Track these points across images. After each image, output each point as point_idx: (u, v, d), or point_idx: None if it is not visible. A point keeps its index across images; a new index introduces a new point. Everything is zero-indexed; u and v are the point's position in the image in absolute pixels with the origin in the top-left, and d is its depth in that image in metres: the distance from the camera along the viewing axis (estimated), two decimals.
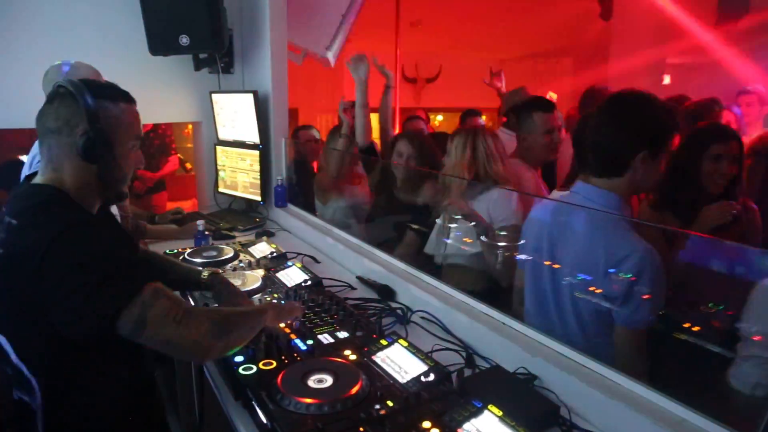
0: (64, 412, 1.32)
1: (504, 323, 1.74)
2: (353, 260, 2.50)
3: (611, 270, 1.50)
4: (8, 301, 1.26)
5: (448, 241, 2.38)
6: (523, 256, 1.89)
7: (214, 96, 3.50)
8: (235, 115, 3.41)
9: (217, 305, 1.80)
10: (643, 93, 1.58)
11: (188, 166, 6.17)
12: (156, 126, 4.49)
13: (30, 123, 1.39)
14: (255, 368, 1.48)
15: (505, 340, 1.65)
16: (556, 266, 1.70)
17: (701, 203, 2.04)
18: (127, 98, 1.40)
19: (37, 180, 1.36)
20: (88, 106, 1.29)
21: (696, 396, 1.28)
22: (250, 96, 3.22)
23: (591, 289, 1.57)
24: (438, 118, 8.50)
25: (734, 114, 3.85)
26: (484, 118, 4.90)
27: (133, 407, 1.43)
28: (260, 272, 2.27)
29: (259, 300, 1.96)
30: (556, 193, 2.08)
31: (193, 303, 1.99)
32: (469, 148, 2.34)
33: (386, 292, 2.17)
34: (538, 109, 2.61)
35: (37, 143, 2.34)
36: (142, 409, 1.47)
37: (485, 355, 1.68)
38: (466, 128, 2.50)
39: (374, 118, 3.24)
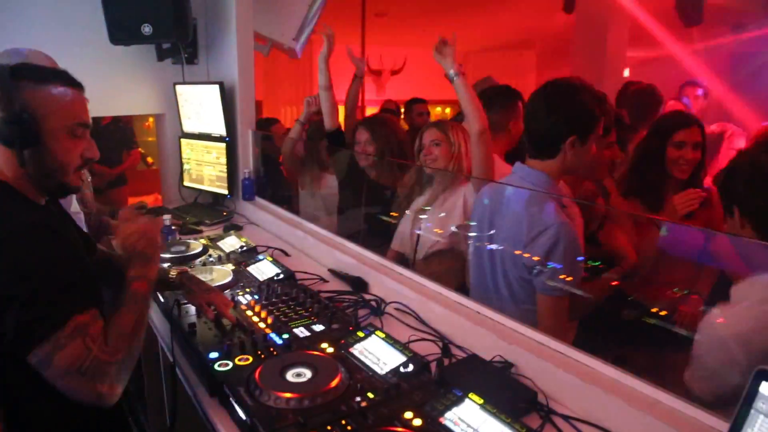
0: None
1: (479, 312, 1.76)
2: (324, 252, 2.48)
3: (530, 241, 1.65)
4: None
5: (419, 232, 2.38)
6: (465, 234, 2.04)
7: (178, 87, 3.42)
8: (200, 107, 3.35)
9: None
10: (574, 82, 1.68)
11: (149, 160, 6.03)
12: (116, 119, 4.37)
13: None
14: (231, 364, 1.46)
15: (480, 329, 1.67)
16: (491, 243, 1.84)
17: (668, 190, 2.10)
18: (63, 80, 1.29)
19: None
20: (3, 88, 1.20)
21: (667, 378, 1.32)
22: (216, 87, 3.17)
23: (517, 259, 1.72)
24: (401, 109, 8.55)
25: (683, 104, 3.98)
26: (445, 110, 5.00)
27: (90, 414, 1.26)
28: (230, 267, 2.23)
29: (231, 296, 1.92)
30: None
31: (162, 300, 1.94)
32: (464, 141, 2.33)
33: (359, 284, 2.17)
34: (518, 97, 2.63)
35: None
36: (100, 416, 1.30)
37: (461, 345, 1.69)
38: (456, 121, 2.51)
39: (341, 109, 3.22)
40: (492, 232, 1.85)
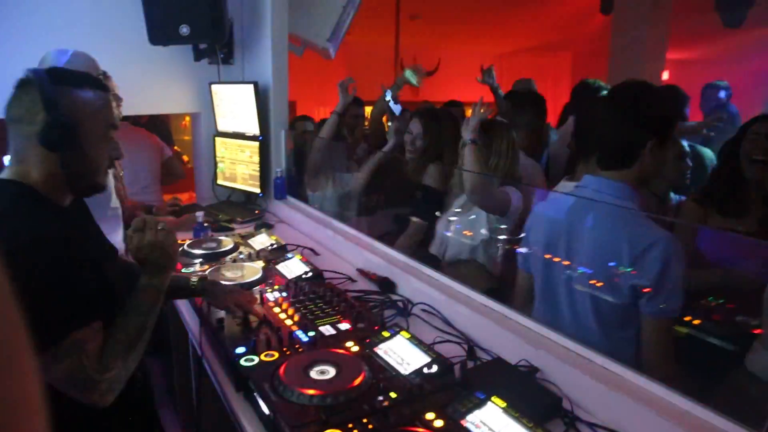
0: None
1: (505, 315, 1.74)
2: (353, 252, 2.49)
3: (636, 261, 1.49)
4: None
5: (449, 234, 2.37)
6: (525, 251, 1.88)
7: (214, 87, 3.47)
8: (234, 106, 3.39)
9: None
10: (645, 82, 1.58)
11: (185, 158, 6.13)
12: (153, 117, 4.45)
13: None
14: (257, 359, 1.48)
15: (506, 332, 1.65)
16: (570, 264, 1.68)
17: (743, 193, 2.03)
18: (96, 84, 1.33)
19: (3, 174, 1.29)
20: (47, 92, 1.23)
21: (700, 389, 1.28)
22: (251, 87, 3.20)
23: (617, 282, 1.55)
24: None
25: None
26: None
27: (118, 404, 1.27)
28: (260, 264, 2.26)
29: (260, 292, 1.94)
30: (563, 187, 2.05)
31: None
32: (506, 143, 2.30)
33: (387, 285, 2.17)
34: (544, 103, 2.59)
35: None
36: (126, 407, 1.32)
37: (486, 348, 1.68)
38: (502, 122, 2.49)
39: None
40: (569, 253, 1.68)
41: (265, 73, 3.30)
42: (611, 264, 1.54)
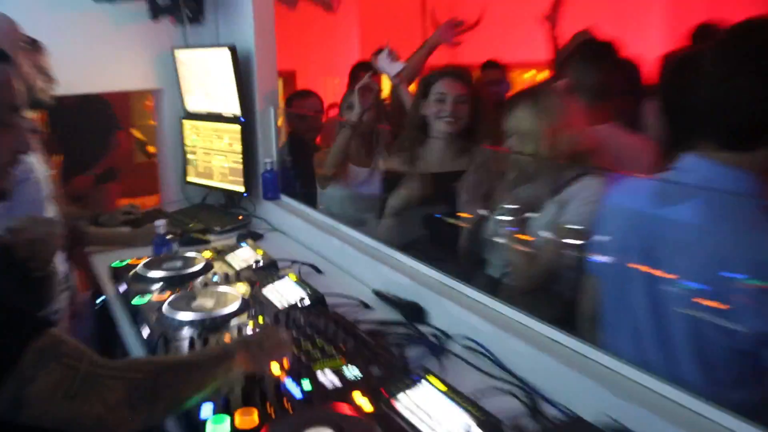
0: None
1: (580, 353, 1.68)
2: (369, 269, 2.47)
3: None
4: None
5: (500, 240, 2.27)
6: (598, 257, 1.79)
7: (179, 54, 3.47)
8: (207, 78, 3.38)
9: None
10: None
11: (150, 149, 6.18)
12: (92, 96, 4.39)
13: None
14: (228, 422, 1.43)
15: (582, 378, 1.58)
16: (658, 274, 1.56)
17: None
18: None
19: None
20: None
21: None
22: (226, 52, 3.18)
23: (727, 315, 1.40)
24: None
25: None
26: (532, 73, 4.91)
27: None
28: (241, 288, 2.22)
29: (239, 328, 1.89)
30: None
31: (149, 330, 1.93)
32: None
33: (414, 312, 2.14)
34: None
35: None
36: None
37: (554, 399, 1.62)
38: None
39: None
40: (653, 259, 1.58)
41: (245, 33, 3.29)
42: (726, 283, 1.39)
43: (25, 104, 1.37)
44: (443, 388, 1.50)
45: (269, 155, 3.32)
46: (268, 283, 2.22)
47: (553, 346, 1.74)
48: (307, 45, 7.56)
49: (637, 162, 2.40)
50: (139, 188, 5.70)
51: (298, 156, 3.60)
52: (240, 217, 3.30)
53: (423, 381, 1.52)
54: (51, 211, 2.43)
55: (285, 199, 3.32)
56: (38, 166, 2.36)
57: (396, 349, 1.82)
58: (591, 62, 2.77)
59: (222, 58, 3.22)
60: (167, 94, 3.64)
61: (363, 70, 3.97)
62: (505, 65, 5.12)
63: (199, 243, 2.94)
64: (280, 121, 3.43)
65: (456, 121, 2.63)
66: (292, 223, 3.09)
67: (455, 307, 2.02)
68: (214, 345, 1.76)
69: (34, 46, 2.48)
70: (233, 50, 3.17)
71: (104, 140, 4.62)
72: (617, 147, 2.42)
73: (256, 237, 2.99)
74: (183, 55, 3.47)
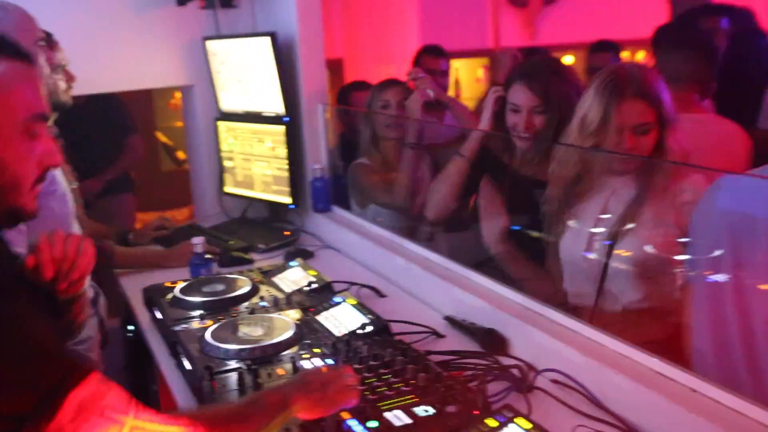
0: None
1: (694, 390, 1.66)
2: (439, 291, 2.48)
3: None
4: None
5: (589, 255, 2.28)
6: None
7: (211, 45, 3.54)
8: (243, 72, 3.44)
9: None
10: None
11: (180, 155, 6.28)
12: (101, 97, 4.46)
13: None
14: None
15: (698, 419, 1.57)
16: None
17: None
18: (13, 52, 1.33)
19: None
20: None
21: None
22: (266, 41, 3.24)
23: None
24: (565, 61, 8.28)
25: None
26: (642, 54, 4.76)
27: None
28: (293, 315, 2.27)
29: (292, 360, 1.94)
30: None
31: (190, 368, 1.99)
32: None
33: (493, 341, 2.15)
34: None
35: None
36: None
37: None
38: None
39: None
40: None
41: (287, 18, 3.34)
42: None
43: (50, 111, 1.42)
44: (530, 426, 1.51)
45: (319, 160, 3.37)
46: (324, 308, 2.27)
47: (659, 379, 1.72)
48: (356, 28, 7.60)
49: (732, 155, 2.40)
50: (167, 200, 5.77)
51: (351, 160, 3.64)
52: (287, 233, 3.34)
53: (510, 424, 1.53)
54: (76, 228, 2.54)
55: (338, 211, 3.35)
56: (61, 178, 2.47)
57: (474, 384, 1.82)
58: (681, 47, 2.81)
59: (261, 48, 3.27)
60: (198, 91, 3.72)
61: (433, 55, 4.02)
62: (618, 45, 4.82)
63: (241, 263, 3.01)
64: (328, 114, 3.48)
65: (530, 137, 2.63)
66: (347, 239, 3.12)
67: (541, 335, 2.02)
68: (270, 389, 1.75)
69: (49, 41, 2.55)
70: (274, 38, 3.22)
71: (115, 142, 4.64)
72: (709, 137, 2.42)
73: (305, 255, 3.03)
74: (215, 46, 3.53)
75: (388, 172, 3.33)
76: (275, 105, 3.35)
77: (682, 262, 2.12)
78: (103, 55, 3.33)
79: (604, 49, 4.59)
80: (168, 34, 3.58)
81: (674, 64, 2.77)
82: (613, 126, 2.15)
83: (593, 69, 4.29)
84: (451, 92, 4.95)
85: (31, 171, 1.34)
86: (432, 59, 4.03)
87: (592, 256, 2.31)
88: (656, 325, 2.18)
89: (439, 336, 2.24)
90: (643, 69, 2.31)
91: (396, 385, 1.77)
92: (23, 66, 1.33)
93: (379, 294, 2.62)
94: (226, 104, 3.64)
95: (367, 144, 3.35)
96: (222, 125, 3.65)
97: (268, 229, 3.45)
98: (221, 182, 3.71)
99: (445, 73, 4.08)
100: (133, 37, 3.49)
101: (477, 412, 1.63)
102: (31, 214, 1.38)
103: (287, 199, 3.40)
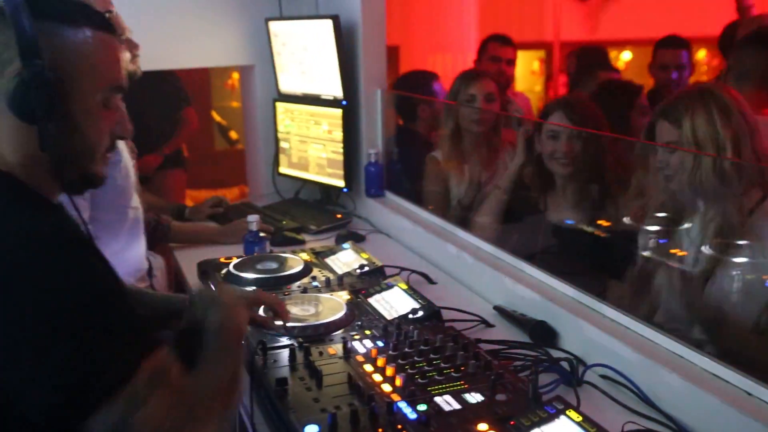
0: None
1: (748, 392, 1.64)
2: (490, 281, 2.48)
3: None
4: None
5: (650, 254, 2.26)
6: None
7: (273, 26, 3.57)
8: (304, 55, 3.47)
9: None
10: None
11: (233, 135, 6.32)
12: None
13: None
14: None
15: (750, 421, 1.55)
16: None
17: None
18: (100, 23, 1.35)
19: None
20: (23, 32, 1.22)
21: None
22: (328, 23, 3.25)
23: None
24: (623, 57, 8.15)
25: None
26: (703, 53, 4.66)
27: None
28: (344, 296, 2.28)
29: (343, 340, 1.95)
30: None
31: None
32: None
33: (543, 333, 2.15)
34: None
35: None
36: None
37: None
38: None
39: None
40: None
41: (350, 2, 3.34)
42: None
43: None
44: (581, 419, 1.49)
45: (374, 145, 3.38)
46: (375, 291, 2.29)
47: (712, 381, 1.71)
48: (412, 14, 7.59)
49: None
50: (218, 179, 5.83)
51: (407, 148, 3.66)
52: (339, 216, 3.37)
53: (561, 416, 1.51)
54: (135, 200, 2.58)
55: (390, 196, 3.37)
56: (124, 151, 2.51)
57: (525, 375, 1.83)
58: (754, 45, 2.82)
59: (323, 30, 3.28)
60: (258, 71, 3.76)
61: (499, 43, 4.00)
62: (689, 42, 4.53)
63: (293, 243, 3.04)
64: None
65: (570, 163, 2.67)
66: (399, 225, 3.13)
67: (592, 329, 2.02)
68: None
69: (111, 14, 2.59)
70: (336, 21, 3.22)
71: (171, 117, 4.72)
72: None
73: (357, 239, 3.05)
74: (277, 27, 3.56)
75: (464, 164, 3.34)
76: (334, 88, 3.37)
77: None
78: (168, 32, 3.39)
79: (674, 46, 4.35)
80: (232, 14, 3.63)
81: (748, 61, 2.77)
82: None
83: (663, 66, 4.26)
84: None
85: (104, 140, 1.38)
86: (498, 47, 4.02)
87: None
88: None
89: (489, 325, 2.25)
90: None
91: (446, 371, 1.77)
92: (106, 36, 1.36)
93: (430, 280, 2.63)
94: (285, 86, 3.67)
95: (447, 136, 3.33)
96: (280, 106, 3.69)
97: (320, 211, 3.48)
98: (276, 163, 3.74)
99: (511, 62, 4.07)
100: (198, 15, 3.54)
101: (527, 403, 1.61)
102: (101, 180, 1.43)
103: (340, 183, 3.43)
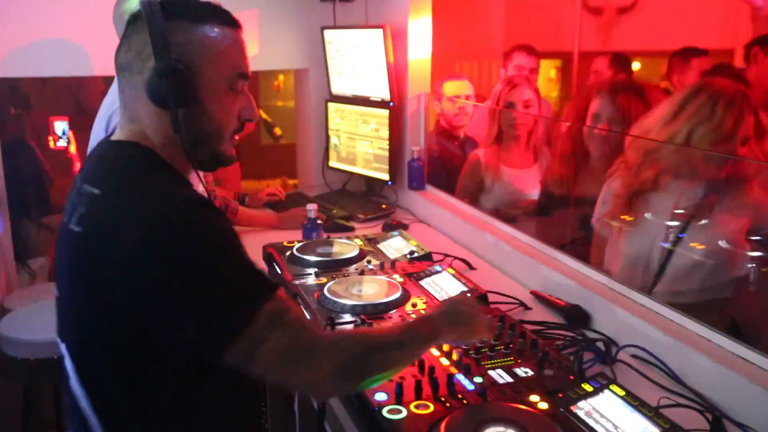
0: None
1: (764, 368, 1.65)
2: (526, 268, 2.49)
3: None
4: (79, 299, 1.33)
5: (668, 246, 2.24)
6: None
7: (328, 34, 3.59)
8: (356, 60, 3.49)
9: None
10: None
11: (277, 131, 6.33)
12: None
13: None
14: (404, 411, 1.49)
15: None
16: None
17: None
18: (224, 19, 1.39)
19: (117, 136, 1.42)
20: (157, 29, 1.30)
21: None
22: (378, 32, 3.27)
23: None
24: (634, 67, 8.08)
25: None
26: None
27: None
28: (397, 278, 2.29)
29: (401, 318, 1.97)
30: None
31: None
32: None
33: (577, 316, 2.15)
34: None
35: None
36: None
37: (741, 421, 1.59)
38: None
39: None
40: None
41: (398, 14, 3.35)
42: None
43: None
44: (623, 393, 1.51)
45: (417, 143, 3.40)
46: (425, 275, 2.30)
47: (737, 362, 1.71)
48: (441, 24, 7.55)
49: None
50: (264, 172, 5.85)
51: (444, 145, 3.66)
52: (384, 206, 3.39)
53: (605, 390, 1.53)
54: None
55: (430, 189, 3.38)
56: None
57: (569, 351, 1.85)
58: None
59: (373, 39, 3.31)
60: (313, 74, 3.78)
61: (525, 52, 3.99)
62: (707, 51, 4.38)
63: (343, 230, 3.07)
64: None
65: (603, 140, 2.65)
66: (439, 215, 3.14)
67: (623, 312, 2.02)
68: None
69: None
70: (385, 31, 3.25)
71: None
72: None
73: (402, 227, 3.06)
74: (331, 35, 3.59)
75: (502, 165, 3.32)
76: (382, 91, 3.38)
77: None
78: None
79: (692, 56, 4.29)
80: (292, 22, 3.67)
81: None
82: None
83: (679, 75, 4.23)
84: None
85: (232, 122, 1.42)
86: (524, 56, 4.02)
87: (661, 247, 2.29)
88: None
89: (527, 308, 2.26)
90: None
91: (496, 348, 1.79)
92: (233, 31, 1.40)
93: (470, 266, 2.64)
94: (337, 88, 3.69)
95: (491, 139, 3.31)
96: (331, 106, 3.71)
97: (366, 202, 3.50)
98: (326, 157, 3.77)
99: (535, 71, 4.06)
100: (263, 23, 3.58)
101: (573, 378, 1.64)
102: (230, 160, 1.47)
103: (385, 176, 3.45)
